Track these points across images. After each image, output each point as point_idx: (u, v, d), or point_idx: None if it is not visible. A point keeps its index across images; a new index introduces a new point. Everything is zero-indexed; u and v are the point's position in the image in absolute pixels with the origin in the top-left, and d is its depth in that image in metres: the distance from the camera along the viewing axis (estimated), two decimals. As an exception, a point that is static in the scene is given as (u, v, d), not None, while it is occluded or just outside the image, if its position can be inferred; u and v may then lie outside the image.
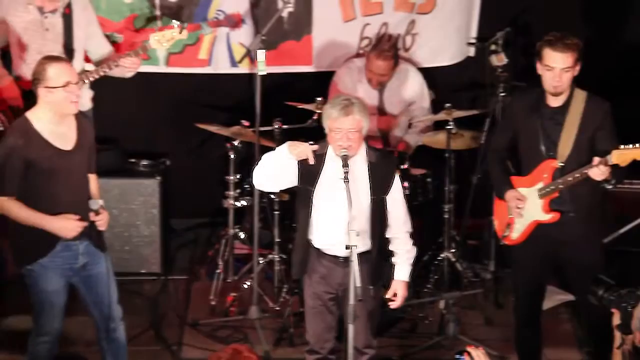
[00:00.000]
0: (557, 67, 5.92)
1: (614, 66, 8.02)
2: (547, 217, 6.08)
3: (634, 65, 8.04)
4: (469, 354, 4.29)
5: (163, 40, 6.90)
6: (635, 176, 7.92)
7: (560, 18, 7.94)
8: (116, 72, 6.93)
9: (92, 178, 6.06)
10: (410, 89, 7.77)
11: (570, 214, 6.04)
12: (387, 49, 7.64)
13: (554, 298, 7.28)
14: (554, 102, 6.04)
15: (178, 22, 6.93)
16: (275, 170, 5.87)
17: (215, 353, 6.07)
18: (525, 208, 6.13)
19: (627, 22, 8.11)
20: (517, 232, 6.20)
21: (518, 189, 6.16)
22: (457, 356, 4.30)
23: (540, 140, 6.03)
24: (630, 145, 5.75)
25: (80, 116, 5.95)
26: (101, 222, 5.89)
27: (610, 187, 5.92)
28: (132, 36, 7.77)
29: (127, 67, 6.87)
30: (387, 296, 6.00)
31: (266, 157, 5.92)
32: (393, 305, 6.02)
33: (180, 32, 6.90)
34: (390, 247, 6.02)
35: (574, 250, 6.05)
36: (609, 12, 8.07)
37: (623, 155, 5.74)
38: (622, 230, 5.69)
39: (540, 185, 6.08)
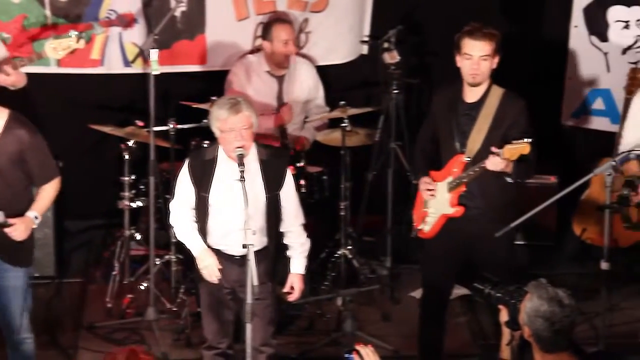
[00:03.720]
0: (475, 55, 5.99)
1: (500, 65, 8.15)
2: (452, 210, 6.15)
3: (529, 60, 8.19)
4: (358, 352, 4.30)
5: (59, 49, 6.78)
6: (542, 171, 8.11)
7: (451, 16, 8.05)
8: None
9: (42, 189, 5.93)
10: (307, 82, 7.82)
11: (477, 209, 6.12)
12: (285, 15, 7.69)
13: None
14: (470, 97, 6.11)
15: (76, 33, 6.83)
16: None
17: (110, 353, 6.04)
18: (436, 202, 6.20)
19: (521, 20, 8.24)
20: (429, 225, 6.26)
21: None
22: (347, 355, 4.30)
23: (454, 135, 6.11)
24: (519, 141, 5.85)
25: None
26: (14, 233, 5.79)
27: (510, 180, 5.99)
28: (22, 37, 7.64)
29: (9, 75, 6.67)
30: (284, 290, 6.02)
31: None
32: (291, 298, 6.05)
33: (77, 42, 6.79)
34: (285, 241, 6.05)
35: (485, 247, 6.11)
36: (498, 9, 8.20)
37: (512, 150, 5.83)
38: (514, 224, 5.76)
39: (450, 179, 6.16)
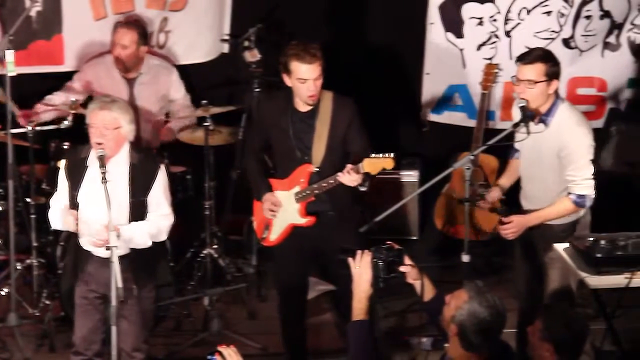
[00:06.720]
0: (310, 79, 6.02)
1: (360, 64, 8.25)
2: (303, 220, 6.20)
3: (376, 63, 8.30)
4: (220, 353, 4.31)
5: None
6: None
7: (311, 14, 8.12)
8: None
9: None
10: (164, 85, 7.72)
11: (328, 212, 6.18)
12: (132, 21, 7.58)
13: (315, 289, 7.42)
14: (303, 106, 6.14)
15: None
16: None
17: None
18: (282, 211, 6.21)
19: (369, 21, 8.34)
20: (275, 233, 6.28)
21: (276, 192, 6.24)
22: (209, 357, 4.30)
23: (293, 144, 6.13)
24: (380, 155, 5.88)
25: None
26: None
27: (364, 189, 6.03)
28: None
29: None
30: None
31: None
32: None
33: None
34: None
35: (334, 244, 6.13)
36: (353, 7, 8.29)
37: (374, 163, 5.89)
38: (378, 219, 5.84)
39: (297, 189, 6.18)
